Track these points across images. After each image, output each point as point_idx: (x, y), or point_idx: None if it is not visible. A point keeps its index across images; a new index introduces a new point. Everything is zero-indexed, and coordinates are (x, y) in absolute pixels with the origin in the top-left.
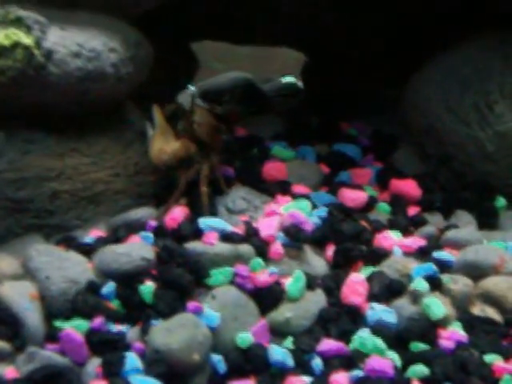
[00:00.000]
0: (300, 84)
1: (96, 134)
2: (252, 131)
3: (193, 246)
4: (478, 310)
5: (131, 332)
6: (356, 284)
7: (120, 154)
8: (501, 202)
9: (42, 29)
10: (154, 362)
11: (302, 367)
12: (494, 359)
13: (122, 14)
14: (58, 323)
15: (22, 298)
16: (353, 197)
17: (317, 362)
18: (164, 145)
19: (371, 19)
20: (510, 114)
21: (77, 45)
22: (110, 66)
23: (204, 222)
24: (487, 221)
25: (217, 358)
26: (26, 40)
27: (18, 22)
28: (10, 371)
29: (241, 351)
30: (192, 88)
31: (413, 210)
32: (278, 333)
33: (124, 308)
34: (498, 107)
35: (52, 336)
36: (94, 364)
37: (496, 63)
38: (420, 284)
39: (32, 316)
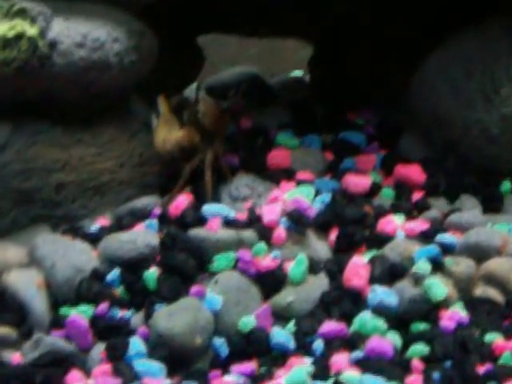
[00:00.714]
0: (307, 78)
1: (101, 124)
2: (257, 122)
3: (196, 232)
4: (481, 291)
5: (135, 317)
6: (358, 267)
7: (125, 144)
8: (506, 185)
9: (46, 20)
10: (157, 346)
11: (304, 349)
12: (494, 338)
13: (126, 5)
14: (63, 310)
15: (29, 286)
16: (356, 182)
17: (318, 344)
18: (168, 134)
19: (378, 7)
20: None
21: (81, 35)
22: (114, 56)
23: (207, 208)
24: (492, 205)
25: (219, 342)
26: (31, 31)
27: (22, 13)
28: (16, 357)
29: (243, 335)
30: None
31: (417, 195)
32: (280, 316)
33: (128, 294)
34: (504, 90)
35: (57, 322)
36: (99, 349)
37: (502, 47)
38: (422, 266)
39: (38, 303)
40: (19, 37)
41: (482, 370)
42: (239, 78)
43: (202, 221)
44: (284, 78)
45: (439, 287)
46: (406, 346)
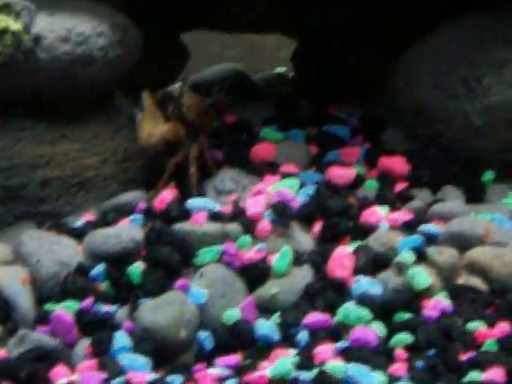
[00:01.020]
0: (290, 74)
1: (86, 120)
2: (242, 118)
3: (180, 226)
4: (464, 279)
5: (120, 312)
6: (342, 258)
7: (109, 140)
8: (488, 175)
9: (30, 15)
10: (142, 340)
11: (288, 340)
12: (477, 326)
13: (110, 0)
14: (48, 306)
15: (14, 282)
16: (340, 174)
17: (303, 335)
18: (153, 128)
19: (362, 4)
20: (498, 87)
21: (65, 30)
22: (99, 50)
23: (192, 202)
24: (475, 195)
25: (204, 335)
26: (15, 26)
27: (6, 8)
28: (1, 354)
29: (228, 327)
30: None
31: (400, 186)
32: (265, 308)
33: (113, 289)
34: (486, 81)
35: (43, 318)
36: (84, 344)
37: (484, 38)
38: (405, 256)
39: (23, 300)
40: (3, 32)
41: (465, 357)
42: (223, 74)
43: (186, 215)
44: (267, 75)
45: (422, 276)
46: (390, 335)
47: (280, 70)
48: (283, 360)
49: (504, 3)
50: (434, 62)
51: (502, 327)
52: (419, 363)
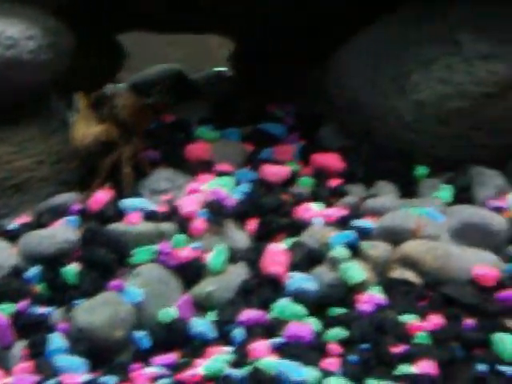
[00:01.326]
0: (230, 73)
1: (20, 122)
2: (180, 117)
3: (115, 226)
4: (397, 273)
5: (56, 313)
6: (276, 254)
7: (44, 142)
8: (421, 170)
9: None
10: (78, 340)
11: (224, 338)
12: (409, 319)
13: (41, 3)
14: None
15: None
16: (274, 172)
17: (238, 332)
18: (87, 129)
19: (296, 3)
20: (426, 83)
21: None
22: (28, 53)
23: (127, 202)
24: (407, 189)
25: (140, 334)
26: None
27: None
28: None
29: (164, 326)
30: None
31: (335, 183)
32: (201, 306)
33: (49, 290)
34: (414, 77)
35: None
36: (20, 347)
37: (412, 35)
38: (339, 251)
39: None
40: None
41: (397, 350)
42: (162, 74)
43: (121, 215)
44: (207, 74)
45: (356, 271)
46: (325, 330)
47: (220, 69)
48: (216, 358)
49: (430, 2)
50: (366, 60)
51: (435, 319)
52: (352, 357)
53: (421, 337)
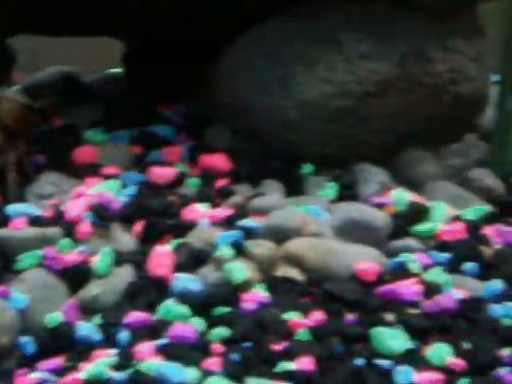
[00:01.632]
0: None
1: None
2: (70, 120)
3: (0, 232)
4: (282, 271)
5: None
6: (162, 256)
7: None
8: (307, 168)
9: None
10: None
11: (110, 341)
12: (292, 316)
13: None
14: None
15: None
16: (161, 173)
17: (123, 335)
18: None
19: (184, 5)
20: (310, 83)
21: None
22: None
23: (12, 208)
24: (294, 188)
25: (26, 340)
26: None
27: None
28: None
29: (49, 331)
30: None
31: (222, 183)
32: (88, 310)
33: None
34: (299, 77)
35: None
36: None
37: (296, 35)
38: (224, 251)
39: None
40: None
41: (278, 347)
42: (54, 77)
43: (7, 221)
44: (101, 76)
45: (240, 270)
46: (209, 330)
47: (114, 70)
48: (99, 361)
49: (312, 3)
50: (251, 60)
51: (316, 316)
52: (234, 356)
53: (302, 333)
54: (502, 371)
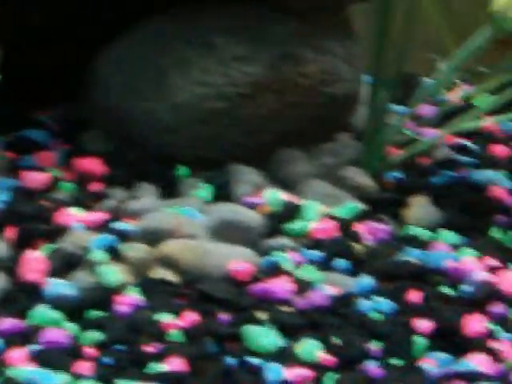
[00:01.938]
0: None
1: None
2: None
3: None
4: (156, 273)
5: None
6: (33, 261)
7: None
8: (181, 171)
9: None
10: None
11: None
12: (165, 317)
13: None
14: None
15: None
16: (34, 178)
17: None
18: None
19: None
20: (184, 86)
21: None
22: None
23: None
24: (169, 190)
25: None
26: None
27: None
28: None
29: None
30: None
31: (96, 187)
32: None
33: None
34: (172, 80)
35: None
36: None
37: (168, 38)
38: (97, 255)
39: None
40: None
41: (150, 349)
42: None
43: None
44: None
45: (113, 273)
46: (82, 334)
47: None
48: None
49: (187, 5)
50: (125, 64)
51: (189, 316)
52: (106, 360)
53: (174, 334)
54: (369, 364)
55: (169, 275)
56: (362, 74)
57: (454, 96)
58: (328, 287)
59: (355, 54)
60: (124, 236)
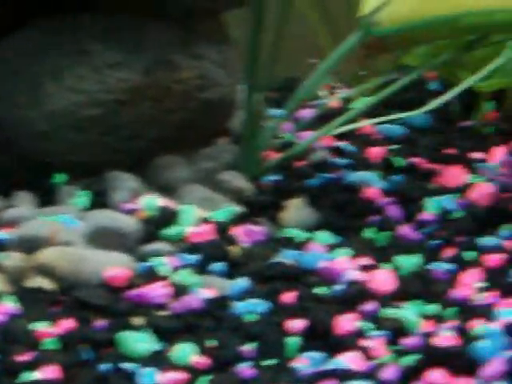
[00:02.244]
0: None
1: None
2: None
3: None
4: (32, 281)
5: None
6: None
7: None
8: (59, 178)
9: None
10: None
11: None
12: (40, 326)
13: None
14: None
15: None
16: None
17: None
18: None
19: None
20: (59, 94)
21: None
22: None
23: None
24: (46, 198)
25: None
26: None
27: None
28: None
29: None
30: None
31: None
32: None
33: None
34: (47, 87)
35: None
36: None
37: (45, 46)
38: None
39: None
40: None
41: (23, 358)
42: None
43: None
44: None
45: None
46: None
47: None
48: None
49: (59, 15)
50: (1, 71)
51: (65, 324)
52: None
53: (49, 343)
54: (242, 366)
55: (45, 283)
56: (239, 79)
57: (333, 99)
58: (204, 290)
59: (231, 59)
60: (0, 245)
